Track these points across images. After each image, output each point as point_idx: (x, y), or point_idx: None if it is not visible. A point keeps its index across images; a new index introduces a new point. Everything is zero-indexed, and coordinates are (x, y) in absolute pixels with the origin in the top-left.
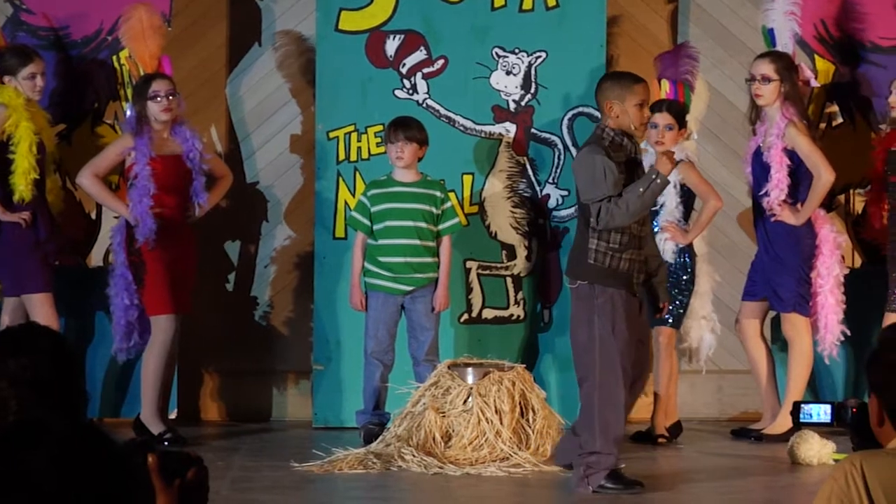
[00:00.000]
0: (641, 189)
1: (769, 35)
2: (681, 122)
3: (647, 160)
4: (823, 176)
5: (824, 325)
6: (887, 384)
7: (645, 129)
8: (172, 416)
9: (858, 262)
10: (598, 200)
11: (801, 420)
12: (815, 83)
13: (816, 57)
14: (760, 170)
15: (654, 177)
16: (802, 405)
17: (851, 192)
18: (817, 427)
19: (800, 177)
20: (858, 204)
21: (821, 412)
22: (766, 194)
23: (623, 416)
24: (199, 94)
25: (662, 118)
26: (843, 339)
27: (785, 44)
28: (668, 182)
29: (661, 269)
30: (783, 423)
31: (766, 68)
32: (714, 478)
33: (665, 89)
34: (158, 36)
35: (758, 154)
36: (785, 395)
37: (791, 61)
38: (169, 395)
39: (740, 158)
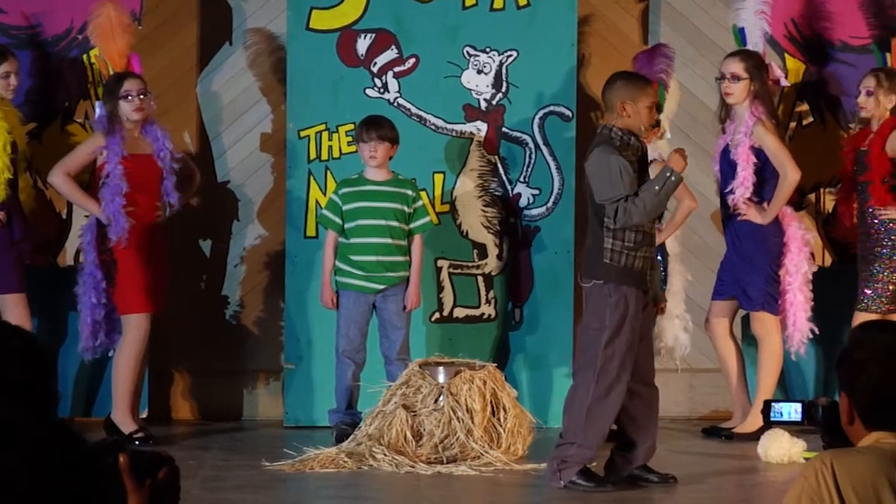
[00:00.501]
0: (657, 187)
1: (740, 34)
2: (654, 122)
3: None
4: (789, 175)
5: (792, 323)
6: (857, 383)
7: (649, 130)
8: (143, 415)
9: (829, 260)
10: (615, 200)
11: (772, 419)
12: (785, 82)
13: (787, 56)
14: (728, 168)
15: (668, 174)
16: (773, 404)
17: (822, 190)
18: (788, 425)
19: (766, 175)
20: (829, 203)
21: (791, 411)
22: (732, 192)
23: (613, 416)
24: (169, 93)
25: None
26: (811, 336)
27: (755, 43)
28: (681, 179)
29: (654, 270)
30: (754, 421)
31: (736, 67)
32: (685, 476)
33: None
34: (127, 34)
35: (726, 152)
36: (755, 394)
37: (761, 60)
38: (140, 395)
39: (710, 157)
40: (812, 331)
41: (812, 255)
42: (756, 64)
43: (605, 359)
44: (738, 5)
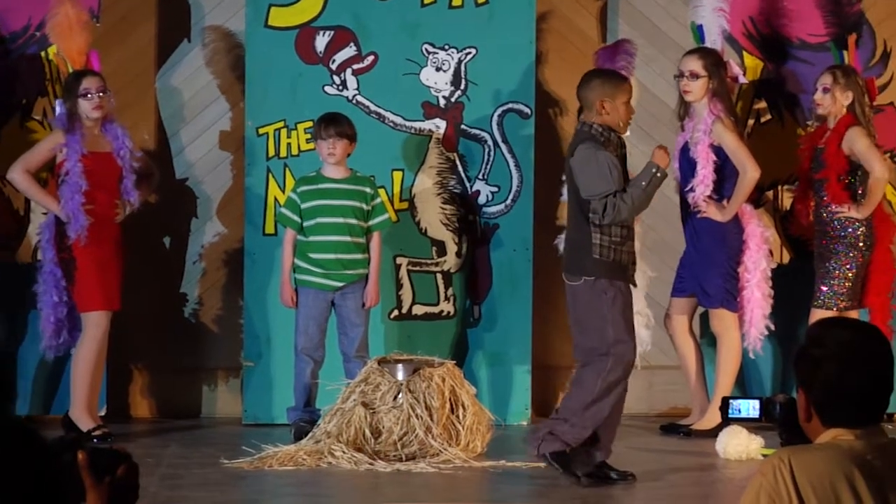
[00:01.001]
0: (644, 183)
1: (698, 32)
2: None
3: None
4: (749, 172)
5: (749, 320)
6: (814, 380)
7: (627, 127)
8: (102, 412)
9: (787, 257)
10: (603, 196)
11: (730, 415)
12: (743, 80)
13: (745, 53)
14: (687, 165)
15: (654, 171)
16: (731, 400)
17: (780, 188)
18: (746, 422)
19: (726, 173)
20: (787, 200)
21: (749, 407)
22: (692, 190)
23: (611, 409)
24: (127, 91)
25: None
26: (767, 333)
27: (714, 40)
28: (666, 175)
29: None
30: (712, 418)
31: (694, 64)
32: (644, 473)
33: None
34: (86, 32)
35: (685, 150)
36: (713, 391)
37: (719, 58)
38: (98, 392)
39: (670, 155)
40: (768, 327)
41: (770, 252)
42: (714, 61)
43: (616, 357)
44: (696, 3)
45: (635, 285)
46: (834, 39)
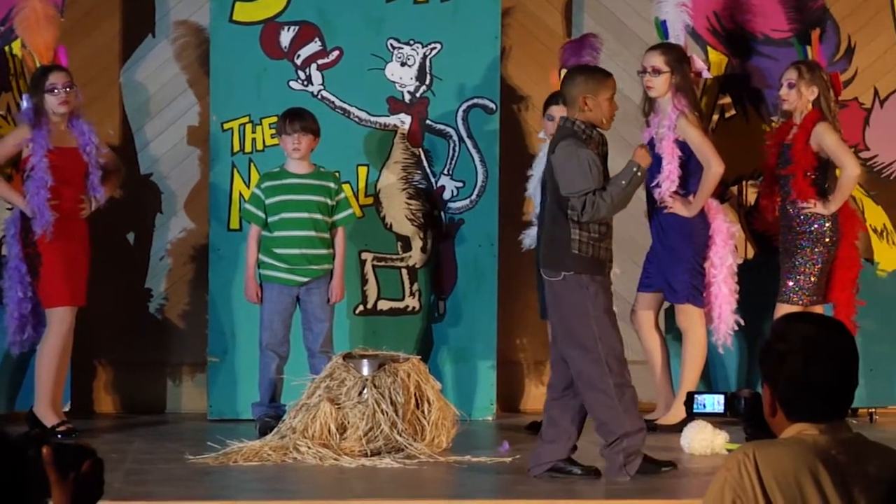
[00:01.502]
0: (624, 182)
1: (662, 27)
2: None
3: (545, 150)
4: (713, 167)
5: (718, 315)
6: (779, 375)
7: (611, 123)
8: (66, 408)
9: (752, 253)
10: (583, 194)
11: (695, 410)
12: (707, 75)
13: (709, 49)
14: (653, 161)
15: (634, 169)
16: (696, 395)
17: (744, 183)
18: (710, 417)
19: (691, 168)
20: (751, 195)
21: (714, 402)
22: (658, 185)
23: (635, 392)
24: (92, 86)
25: (559, 110)
26: (736, 328)
27: (677, 35)
28: (646, 174)
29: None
30: (677, 413)
31: (657, 60)
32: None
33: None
34: (53, 27)
35: (651, 145)
36: (679, 386)
37: (682, 53)
38: (63, 388)
39: None
40: (738, 322)
41: (736, 247)
42: (677, 57)
43: (607, 348)
44: None
45: (610, 283)
46: (797, 35)
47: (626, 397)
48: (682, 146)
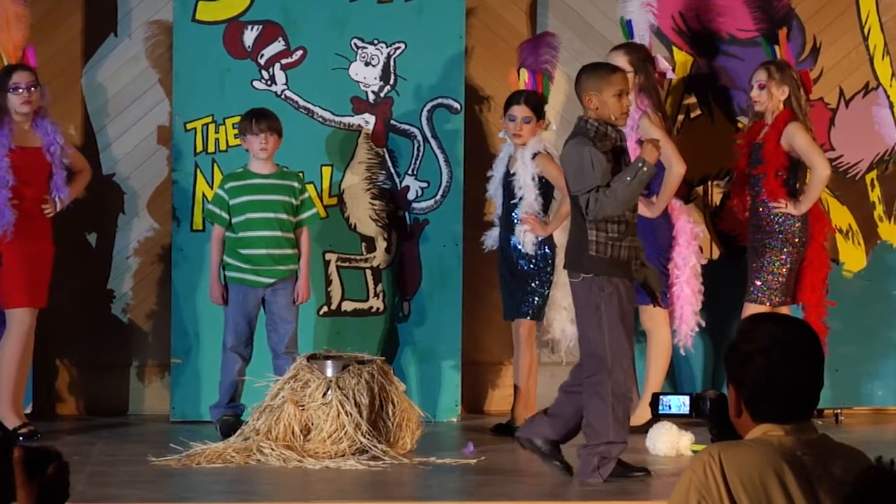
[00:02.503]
0: (629, 178)
1: (627, 27)
2: (539, 114)
3: (506, 150)
4: (675, 168)
5: (679, 316)
6: (744, 375)
7: (626, 118)
8: (27, 410)
9: (717, 253)
10: (586, 191)
11: (660, 411)
12: (671, 75)
13: (675, 49)
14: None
15: (640, 165)
16: (661, 396)
17: (710, 183)
18: (676, 418)
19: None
20: (717, 195)
21: (679, 403)
22: None
23: (630, 404)
24: (54, 85)
25: (520, 110)
26: (697, 329)
27: (642, 35)
28: (654, 170)
29: (644, 259)
30: (642, 414)
31: (621, 60)
32: (575, 469)
33: (524, 79)
34: (22, 25)
35: None
36: (644, 387)
37: (647, 53)
38: (24, 389)
39: None
40: (699, 324)
41: (700, 248)
42: (641, 57)
43: (614, 357)
44: None
45: (631, 280)
46: (764, 35)
47: (619, 409)
48: None
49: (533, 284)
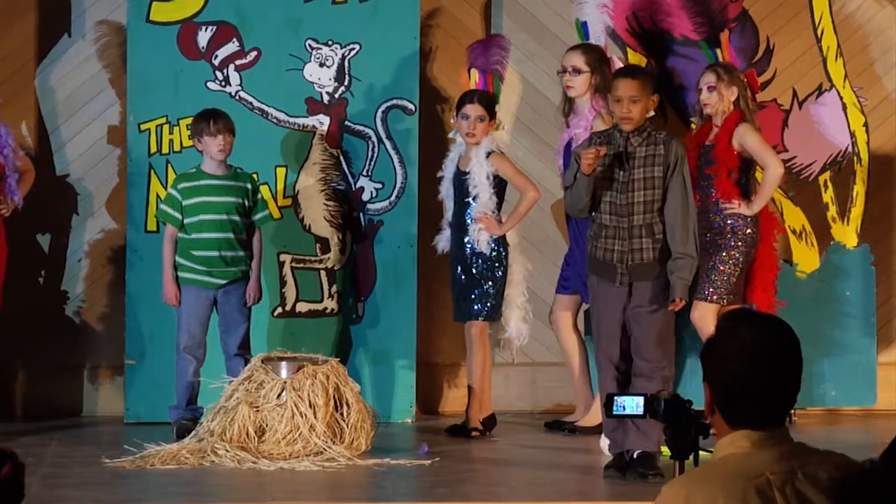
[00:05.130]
0: (568, 184)
1: (582, 28)
2: (491, 113)
3: (457, 151)
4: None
5: None
6: (718, 376)
7: (626, 123)
8: None
9: None
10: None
11: (614, 412)
12: None
13: (629, 50)
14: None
15: (576, 170)
16: (615, 397)
17: None
18: (630, 419)
19: None
20: None
21: (634, 404)
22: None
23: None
24: (6, 86)
25: (473, 109)
26: None
27: (597, 36)
28: (588, 178)
29: (683, 266)
30: (596, 414)
31: (577, 60)
32: (528, 470)
33: (475, 79)
34: None
35: (570, 146)
36: (598, 387)
37: (602, 54)
38: None
39: (553, 150)
40: None
41: None
42: (597, 57)
43: (599, 350)
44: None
45: (622, 284)
46: (705, 39)
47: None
48: None
49: (486, 286)
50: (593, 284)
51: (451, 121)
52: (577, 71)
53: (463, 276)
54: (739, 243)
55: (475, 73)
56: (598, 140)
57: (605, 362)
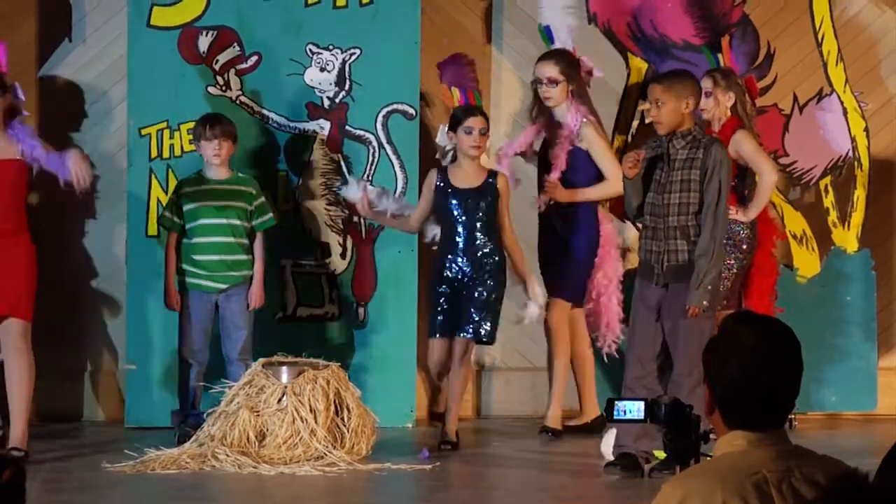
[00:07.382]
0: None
1: (546, 32)
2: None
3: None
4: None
5: (605, 324)
6: (718, 377)
7: (660, 127)
8: None
9: None
10: None
11: (615, 417)
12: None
13: (630, 55)
14: (544, 165)
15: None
16: (616, 402)
17: None
18: (631, 424)
19: (578, 177)
20: None
21: (635, 409)
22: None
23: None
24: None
25: (478, 122)
26: (622, 337)
27: (564, 40)
28: (631, 181)
29: (706, 273)
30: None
31: (551, 70)
32: (529, 475)
33: (456, 97)
34: None
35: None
36: (552, 386)
37: (573, 58)
38: None
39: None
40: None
41: (625, 252)
42: (569, 63)
43: (630, 350)
44: (540, 4)
45: (657, 284)
46: (707, 44)
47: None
48: (574, 152)
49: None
50: (639, 288)
51: (447, 136)
52: (554, 81)
53: (485, 294)
54: (736, 249)
55: (456, 91)
56: (654, 143)
57: (634, 363)
